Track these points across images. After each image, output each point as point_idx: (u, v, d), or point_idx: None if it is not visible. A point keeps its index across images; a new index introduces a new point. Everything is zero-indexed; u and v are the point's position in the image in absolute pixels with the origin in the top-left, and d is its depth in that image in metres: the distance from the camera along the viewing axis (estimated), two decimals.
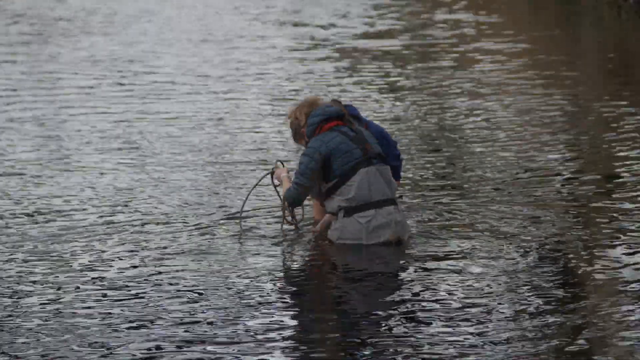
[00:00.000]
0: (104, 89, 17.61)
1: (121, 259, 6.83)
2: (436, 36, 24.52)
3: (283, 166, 6.84)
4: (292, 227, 6.88)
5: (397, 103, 16.04)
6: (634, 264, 7.56)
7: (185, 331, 4.87)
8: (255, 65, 19.72)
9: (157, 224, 8.16)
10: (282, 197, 6.56)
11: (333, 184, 6.06)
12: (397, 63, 20.59)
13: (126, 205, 9.10)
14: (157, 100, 16.43)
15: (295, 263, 7.03)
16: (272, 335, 4.92)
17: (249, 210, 7.47)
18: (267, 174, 7.06)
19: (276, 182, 6.89)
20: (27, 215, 8.94)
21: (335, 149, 5.95)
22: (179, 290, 5.73)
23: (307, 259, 7.21)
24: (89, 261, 6.80)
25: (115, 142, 13.29)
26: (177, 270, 6.31)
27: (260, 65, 19.68)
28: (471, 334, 5.29)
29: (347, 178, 5.97)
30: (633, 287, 6.73)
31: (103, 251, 7.04)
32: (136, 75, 19.32)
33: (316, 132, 6.14)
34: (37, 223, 8.38)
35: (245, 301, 5.53)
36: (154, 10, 33.05)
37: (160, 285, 5.90)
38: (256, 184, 7.21)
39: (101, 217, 8.55)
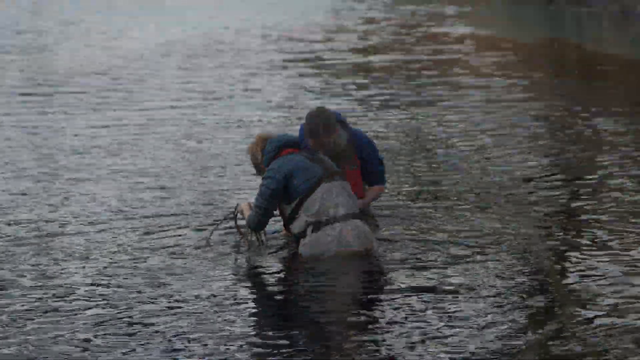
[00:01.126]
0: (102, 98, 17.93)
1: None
2: (425, 51, 24.95)
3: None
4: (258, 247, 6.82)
5: (384, 116, 16.41)
6: (610, 273, 7.83)
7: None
8: (250, 78, 20.10)
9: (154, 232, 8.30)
10: (245, 225, 6.45)
11: (296, 203, 6.07)
12: (385, 77, 20.97)
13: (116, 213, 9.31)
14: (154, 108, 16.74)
15: (264, 278, 7.09)
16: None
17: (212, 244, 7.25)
18: (229, 215, 6.80)
19: (239, 217, 6.77)
20: (22, 224, 9.15)
21: (295, 167, 5.99)
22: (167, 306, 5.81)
23: (277, 272, 7.23)
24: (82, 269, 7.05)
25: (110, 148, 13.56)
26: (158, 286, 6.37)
27: (252, 78, 20.04)
28: (444, 341, 5.53)
29: (311, 191, 6.00)
30: (607, 297, 6.96)
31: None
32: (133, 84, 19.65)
33: (275, 158, 6.18)
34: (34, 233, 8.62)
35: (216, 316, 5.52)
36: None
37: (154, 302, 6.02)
38: (216, 227, 7.00)
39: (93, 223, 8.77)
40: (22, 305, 6.07)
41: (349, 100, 17.87)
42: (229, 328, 5.45)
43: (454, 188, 11.76)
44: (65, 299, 6.04)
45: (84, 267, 6.99)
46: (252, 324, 5.63)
